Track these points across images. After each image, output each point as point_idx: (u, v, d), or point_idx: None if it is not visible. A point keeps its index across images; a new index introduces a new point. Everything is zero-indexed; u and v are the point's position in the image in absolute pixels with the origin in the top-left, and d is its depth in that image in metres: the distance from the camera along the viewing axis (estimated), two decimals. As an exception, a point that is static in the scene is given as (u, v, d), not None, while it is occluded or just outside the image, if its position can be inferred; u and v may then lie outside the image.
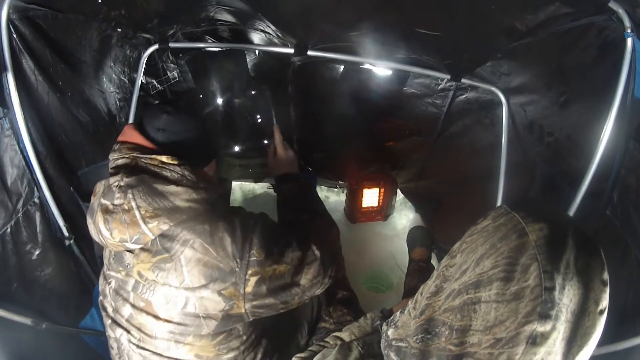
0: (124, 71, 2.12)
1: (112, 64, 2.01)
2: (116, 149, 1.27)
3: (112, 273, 1.31)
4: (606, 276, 0.70)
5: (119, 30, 1.96)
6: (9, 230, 1.46)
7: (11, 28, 1.40)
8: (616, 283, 1.29)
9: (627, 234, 1.28)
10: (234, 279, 1.20)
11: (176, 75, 2.35)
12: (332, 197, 3.45)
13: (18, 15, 1.42)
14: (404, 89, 2.38)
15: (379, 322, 1.27)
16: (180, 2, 1.86)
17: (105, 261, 1.36)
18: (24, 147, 1.50)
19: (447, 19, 1.67)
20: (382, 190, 3.07)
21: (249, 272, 1.21)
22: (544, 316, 0.65)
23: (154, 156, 1.21)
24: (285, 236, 1.36)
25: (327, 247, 1.47)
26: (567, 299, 0.66)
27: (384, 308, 1.36)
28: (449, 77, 2.15)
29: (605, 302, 0.69)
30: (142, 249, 1.22)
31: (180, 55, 2.31)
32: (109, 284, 1.33)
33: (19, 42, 1.44)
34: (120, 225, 1.18)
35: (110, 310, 1.35)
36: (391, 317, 1.06)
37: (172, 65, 2.34)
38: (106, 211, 1.20)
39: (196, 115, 1.38)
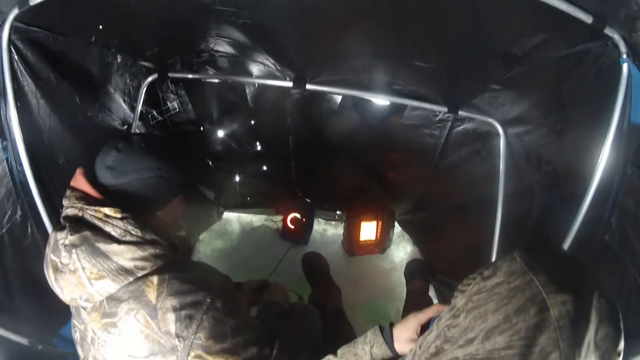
0: (124, 99, 2.13)
1: (112, 92, 2.03)
2: (67, 195, 1.23)
3: (76, 322, 1.28)
4: (622, 346, 0.68)
5: (119, 56, 1.98)
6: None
7: (12, 49, 1.41)
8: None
9: (626, 258, 1.27)
10: (174, 358, 1.14)
11: (176, 105, 2.37)
12: (330, 230, 3.43)
13: (19, 37, 1.44)
14: (402, 120, 2.39)
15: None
16: (180, 31, 1.88)
17: (71, 310, 1.31)
18: (22, 170, 1.49)
19: (444, 48, 1.69)
20: (380, 223, 3.07)
21: (192, 354, 1.15)
22: None
23: (98, 208, 1.15)
24: (244, 324, 1.28)
25: (291, 352, 1.40)
26: None
27: (382, 325, 1.31)
28: (446, 109, 2.17)
29: None
30: (93, 307, 1.18)
31: (180, 84, 2.33)
32: (75, 332, 1.30)
33: (20, 64, 1.46)
34: (69, 285, 1.16)
35: (82, 357, 1.31)
36: None
37: (172, 95, 2.36)
38: (55, 269, 1.17)
39: (155, 154, 1.28)
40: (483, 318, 0.70)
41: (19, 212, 1.55)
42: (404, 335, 1.23)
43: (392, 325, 1.29)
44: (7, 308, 1.47)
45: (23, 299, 1.57)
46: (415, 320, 1.23)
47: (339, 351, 1.30)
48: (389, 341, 1.24)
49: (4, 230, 1.50)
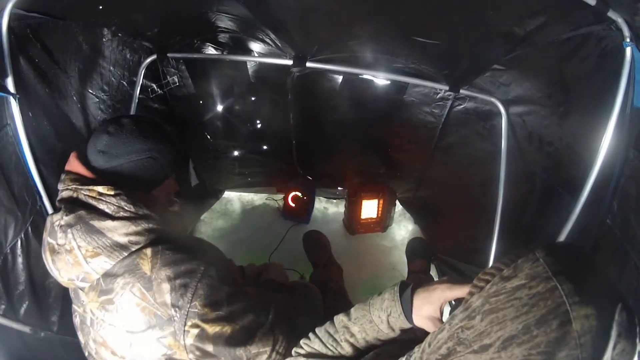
0: (123, 74, 2.11)
1: (111, 68, 2.00)
2: (62, 179, 1.24)
3: (75, 307, 1.30)
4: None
5: (119, 34, 1.96)
6: (19, 243, 1.43)
7: (12, 36, 1.39)
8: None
9: (627, 243, 1.26)
10: (172, 328, 1.16)
11: (176, 80, 2.36)
12: (331, 209, 3.44)
13: (19, 23, 1.41)
14: (403, 97, 2.39)
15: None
16: (181, 6, 1.86)
17: (70, 295, 1.33)
18: (24, 155, 1.47)
19: (445, 26, 1.67)
20: (381, 201, 3.07)
21: (189, 323, 1.16)
22: None
23: (91, 187, 1.17)
24: (239, 292, 1.29)
25: (288, 319, 1.40)
26: None
27: (403, 282, 1.16)
28: (447, 87, 2.15)
29: None
30: (90, 287, 1.20)
31: (181, 60, 2.32)
32: (75, 317, 1.32)
33: (19, 50, 1.43)
34: (65, 266, 1.17)
35: (82, 342, 1.33)
36: None
37: (172, 70, 2.35)
38: (52, 251, 1.19)
39: (146, 136, 1.29)
40: (501, 325, 0.66)
41: (38, 202, 1.53)
42: (424, 310, 1.08)
43: (414, 288, 1.12)
44: (22, 306, 1.46)
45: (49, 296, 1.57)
46: (441, 297, 1.06)
47: (353, 314, 1.19)
48: (408, 313, 1.09)
49: (28, 224, 1.47)
